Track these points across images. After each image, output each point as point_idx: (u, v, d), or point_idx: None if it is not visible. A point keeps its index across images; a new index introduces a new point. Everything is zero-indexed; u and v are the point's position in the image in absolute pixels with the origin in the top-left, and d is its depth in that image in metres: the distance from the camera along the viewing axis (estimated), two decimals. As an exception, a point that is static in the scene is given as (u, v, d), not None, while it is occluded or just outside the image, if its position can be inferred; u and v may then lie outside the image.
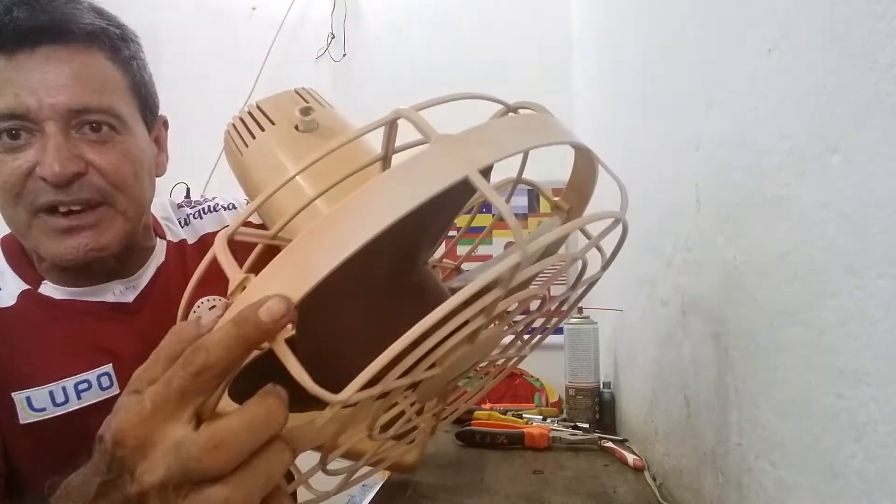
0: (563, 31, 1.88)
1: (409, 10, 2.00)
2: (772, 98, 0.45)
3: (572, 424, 1.02)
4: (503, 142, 0.31)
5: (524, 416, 1.09)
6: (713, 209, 0.59)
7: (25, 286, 0.65)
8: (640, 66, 0.93)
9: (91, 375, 0.64)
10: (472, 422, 1.01)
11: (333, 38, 2.00)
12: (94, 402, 0.63)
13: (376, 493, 0.74)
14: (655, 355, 0.82)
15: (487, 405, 1.17)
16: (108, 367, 0.65)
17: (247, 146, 0.47)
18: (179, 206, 0.79)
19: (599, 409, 1.10)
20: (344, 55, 1.99)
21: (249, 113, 0.48)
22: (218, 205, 0.79)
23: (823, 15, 0.38)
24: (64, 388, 0.63)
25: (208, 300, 0.70)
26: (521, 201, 1.84)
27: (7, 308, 0.64)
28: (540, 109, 0.41)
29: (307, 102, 0.48)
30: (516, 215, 1.59)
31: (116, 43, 0.62)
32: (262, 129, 0.47)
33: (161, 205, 0.76)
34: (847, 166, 0.35)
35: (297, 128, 0.47)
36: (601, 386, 1.13)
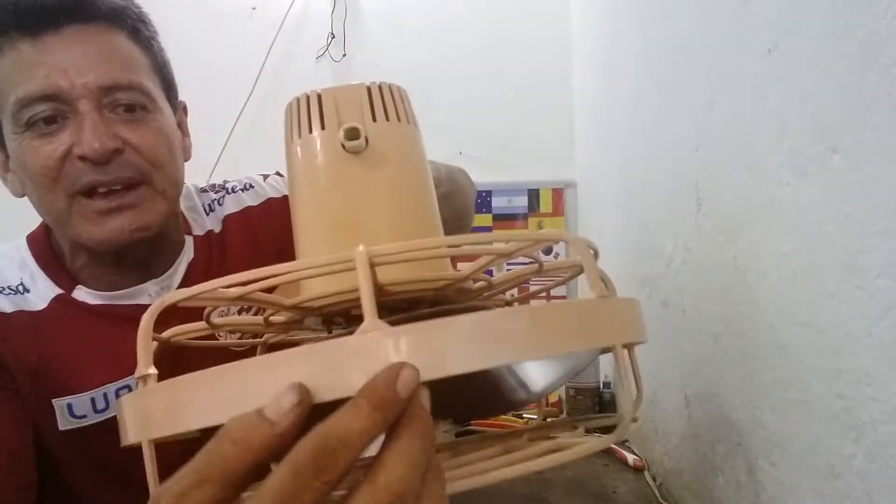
0: (563, 31, 1.88)
1: (409, 10, 2.00)
2: (772, 98, 0.45)
3: (572, 425, 1.02)
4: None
5: (524, 416, 1.09)
6: (713, 209, 0.59)
7: (59, 290, 0.63)
8: (640, 66, 0.93)
9: (131, 380, 0.62)
10: (472, 422, 1.01)
11: (333, 38, 2.00)
12: None
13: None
14: (655, 355, 0.82)
15: (487, 405, 1.17)
16: None
17: (292, 140, 0.41)
18: (203, 190, 0.76)
19: (599, 409, 1.10)
20: (344, 55, 1.99)
21: (308, 100, 0.41)
22: (235, 186, 0.77)
23: (823, 15, 0.38)
24: (105, 395, 0.62)
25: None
26: (521, 201, 1.84)
27: (38, 312, 0.62)
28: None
29: (375, 111, 0.40)
30: (516, 215, 1.60)
31: (137, 23, 0.61)
32: (310, 132, 0.40)
33: (186, 193, 0.73)
34: (847, 166, 0.35)
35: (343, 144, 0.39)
36: (601, 386, 1.13)
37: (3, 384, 0.61)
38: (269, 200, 0.75)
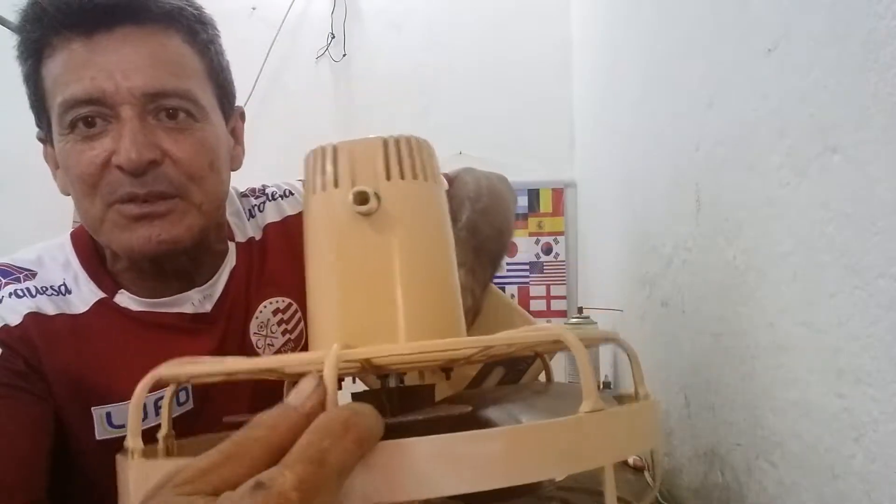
0: (563, 31, 1.88)
1: (408, 9, 2.00)
2: (772, 98, 0.45)
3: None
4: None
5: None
6: (713, 209, 0.59)
7: (101, 294, 0.61)
8: (639, 66, 0.93)
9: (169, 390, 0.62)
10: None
11: (333, 38, 2.00)
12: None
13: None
14: (655, 355, 0.82)
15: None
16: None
17: (312, 193, 0.39)
18: (244, 195, 0.75)
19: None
20: (344, 55, 1.99)
21: (324, 155, 0.39)
22: (275, 193, 0.75)
23: (823, 15, 0.38)
24: (144, 405, 0.60)
25: (271, 303, 0.69)
26: (521, 201, 1.84)
27: (80, 315, 0.60)
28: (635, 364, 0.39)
29: (390, 169, 0.38)
30: (517, 215, 1.59)
31: (194, 25, 0.60)
32: (324, 189, 0.38)
33: (229, 198, 0.71)
34: (847, 166, 0.35)
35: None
36: (601, 386, 1.13)
37: (30, 388, 0.58)
38: None
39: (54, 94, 0.56)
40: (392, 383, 0.39)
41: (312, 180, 0.39)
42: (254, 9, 2.04)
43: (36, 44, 0.56)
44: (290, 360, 0.32)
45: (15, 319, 0.58)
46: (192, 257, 0.63)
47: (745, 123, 0.51)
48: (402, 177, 0.38)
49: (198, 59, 0.60)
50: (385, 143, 0.38)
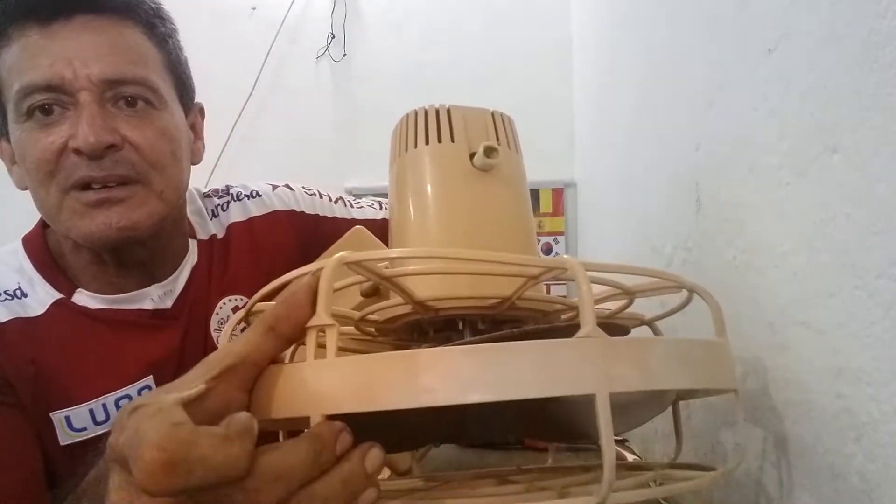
0: (563, 31, 1.88)
1: (408, 9, 2.00)
2: (772, 98, 0.45)
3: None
4: (657, 373, 0.29)
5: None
6: (713, 209, 0.59)
7: (58, 295, 0.61)
8: (639, 66, 0.93)
9: (132, 390, 0.60)
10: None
11: (333, 38, 2.00)
12: None
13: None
14: (655, 355, 0.81)
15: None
16: (149, 380, 0.60)
17: (416, 147, 0.42)
18: (206, 195, 0.75)
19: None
20: (344, 55, 1.99)
21: (437, 113, 0.43)
22: (241, 193, 0.75)
23: (823, 15, 0.38)
24: (104, 406, 0.59)
25: (231, 300, 0.68)
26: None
27: (36, 318, 0.59)
28: (716, 314, 0.39)
29: (499, 135, 0.42)
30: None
31: (152, 19, 0.60)
32: (439, 141, 0.41)
33: (190, 197, 0.72)
34: (847, 166, 0.35)
35: (471, 157, 0.41)
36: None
37: (9, 401, 0.57)
38: (276, 213, 0.74)
39: (10, 83, 0.55)
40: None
41: (416, 135, 0.42)
42: (254, 9, 2.04)
43: None
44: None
45: None
46: (152, 249, 0.62)
47: (745, 123, 0.51)
48: (509, 146, 0.43)
49: (156, 50, 0.60)
50: (493, 113, 0.44)
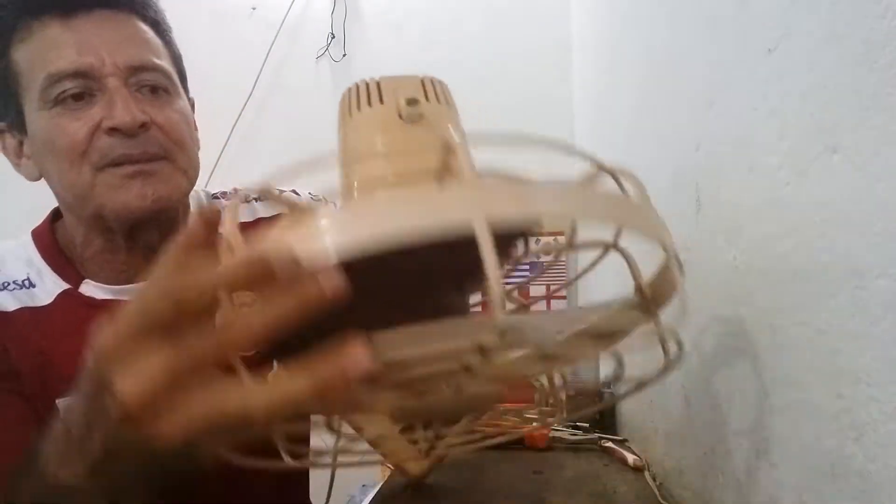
0: (563, 31, 1.87)
1: (408, 9, 2.00)
2: (772, 98, 0.45)
3: (572, 424, 1.02)
4: (537, 201, 0.30)
5: (524, 415, 1.08)
6: (713, 209, 0.59)
7: (65, 286, 0.63)
8: (639, 66, 0.93)
9: None
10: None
11: (333, 38, 2.00)
12: None
13: (376, 494, 0.74)
14: (656, 355, 0.81)
15: (487, 405, 1.16)
16: None
17: (350, 115, 0.48)
18: (215, 196, 0.77)
19: (601, 410, 1.10)
20: (344, 55, 1.99)
21: (367, 85, 0.48)
22: (249, 196, 0.76)
23: (823, 15, 0.38)
24: None
25: (237, 296, 0.69)
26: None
27: (43, 307, 0.62)
28: (636, 186, 0.42)
29: (427, 93, 0.47)
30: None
31: (157, 17, 0.65)
32: (370, 105, 0.46)
33: (195, 197, 0.74)
34: (847, 166, 0.35)
35: (399, 115, 0.45)
36: (601, 388, 1.13)
37: (15, 389, 0.59)
38: (282, 216, 0.76)
39: (33, 73, 0.58)
40: None
41: (354, 104, 0.47)
42: (254, 9, 2.04)
43: (9, 28, 0.59)
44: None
45: None
46: (163, 235, 0.64)
47: (745, 123, 0.51)
48: (438, 101, 0.47)
49: (162, 44, 0.65)
50: (422, 78, 0.48)
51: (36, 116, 0.59)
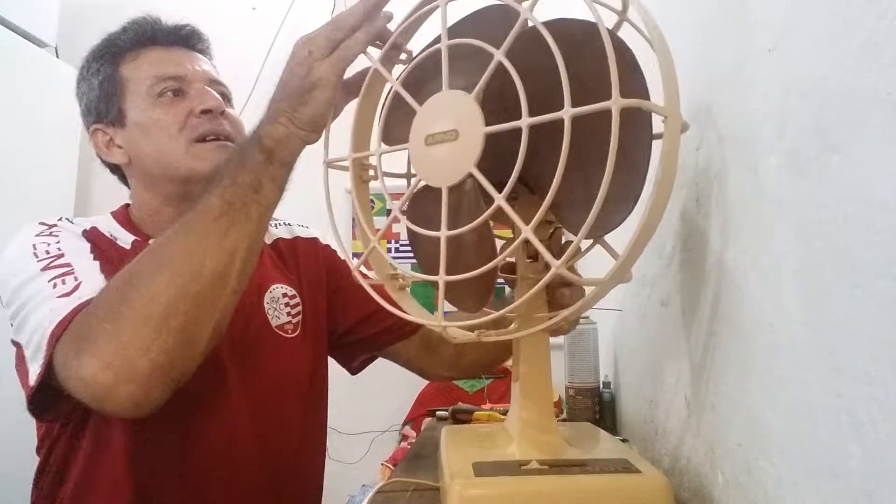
0: (563, 31, 1.87)
1: (408, 10, 2.01)
2: (772, 98, 0.45)
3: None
4: None
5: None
6: (713, 209, 0.59)
7: (136, 237, 0.84)
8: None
9: None
10: (473, 422, 1.01)
11: (333, 37, 2.00)
12: None
13: (376, 493, 0.74)
14: (655, 355, 0.82)
15: (487, 405, 1.17)
16: None
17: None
18: None
19: (599, 409, 1.10)
20: (344, 55, 1.99)
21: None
22: (289, 221, 0.99)
23: (823, 15, 0.38)
24: None
25: (280, 287, 0.89)
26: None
27: (126, 249, 0.82)
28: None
29: None
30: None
31: (211, 58, 0.93)
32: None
33: None
34: (847, 166, 0.35)
35: None
36: (601, 386, 1.13)
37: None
38: (316, 241, 0.99)
39: (139, 79, 0.83)
40: None
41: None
42: (254, 9, 2.04)
43: (121, 52, 0.85)
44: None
45: (86, 225, 0.81)
46: None
47: (745, 123, 0.51)
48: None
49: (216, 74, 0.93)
50: None
51: (140, 109, 0.82)
